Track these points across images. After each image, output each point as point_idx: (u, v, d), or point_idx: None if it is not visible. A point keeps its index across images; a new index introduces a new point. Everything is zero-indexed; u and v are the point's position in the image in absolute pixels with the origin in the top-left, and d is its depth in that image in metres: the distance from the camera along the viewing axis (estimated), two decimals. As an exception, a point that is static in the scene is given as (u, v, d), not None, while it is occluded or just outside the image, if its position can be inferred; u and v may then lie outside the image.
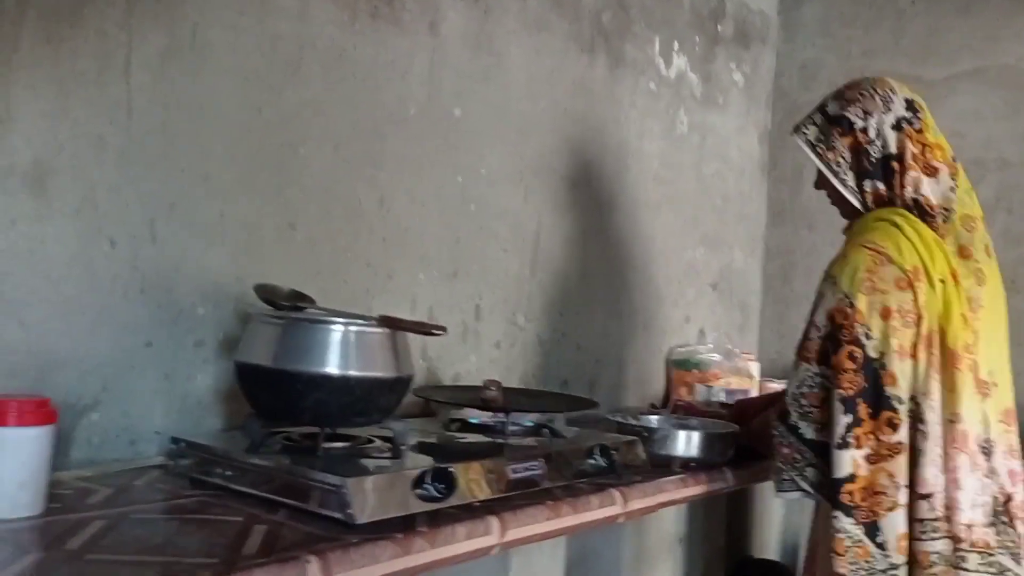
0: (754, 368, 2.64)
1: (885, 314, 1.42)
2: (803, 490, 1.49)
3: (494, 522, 1.20)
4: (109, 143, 1.36)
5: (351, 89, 1.70)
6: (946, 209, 1.52)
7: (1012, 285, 1.56)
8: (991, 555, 1.41)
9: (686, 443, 1.67)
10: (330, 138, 1.67)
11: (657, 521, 2.55)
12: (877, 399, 1.41)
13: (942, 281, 1.45)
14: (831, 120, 1.59)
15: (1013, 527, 1.46)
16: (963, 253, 1.51)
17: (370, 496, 1.12)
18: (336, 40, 1.67)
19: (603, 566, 2.35)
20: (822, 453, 1.45)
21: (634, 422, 1.76)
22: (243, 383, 1.32)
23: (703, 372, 2.51)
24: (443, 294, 1.92)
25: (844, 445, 1.41)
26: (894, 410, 1.40)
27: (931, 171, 1.53)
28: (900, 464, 1.40)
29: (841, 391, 1.42)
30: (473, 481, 1.26)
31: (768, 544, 2.96)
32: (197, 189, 1.47)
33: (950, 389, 1.42)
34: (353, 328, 1.26)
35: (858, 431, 1.41)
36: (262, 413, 1.30)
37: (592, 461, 1.49)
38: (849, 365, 1.43)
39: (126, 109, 1.37)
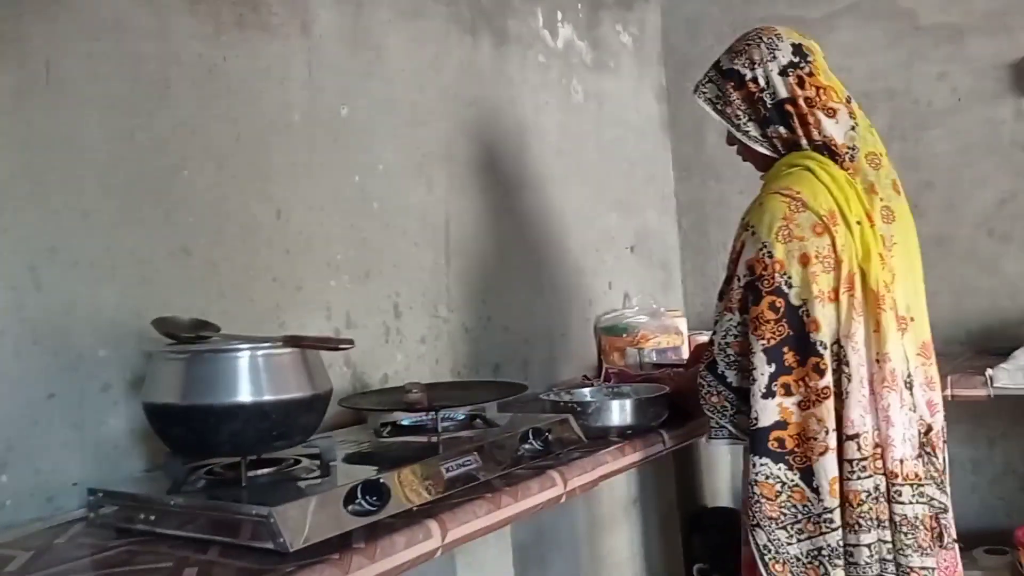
0: (682, 324, 2.67)
1: (804, 261, 1.43)
2: (734, 436, 1.51)
3: (433, 525, 1.18)
4: (-29, 194, 1.28)
5: (227, 103, 1.64)
6: (851, 148, 1.54)
7: (914, 210, 1.59)
8: (921, 486, 1.45)
9: (620, 412, 1.67)
10: (212, 156, 1.61)
11: (607, 487, 2.57)
12: (803, 346, 1.43)
13: (859, 223, 1.46)
14: (724, 75, 1.60)
15: (936, 456, 1.50)
16: (871, 190, 1.53)
17: (301, 521, 1.08)
18: (203, 54, 1.60)
19: (559, 541, 2.36)
20: (747, 400, 1.46)
21: (567, 398, 1.76)
22: (155, 423, 1.26)
23: (632, 336, 2.53)
24: (358, 297, 1.88)
25: (769, 394, 1.43)
26: (819, 355, 1.42)
27: (830, 112, 1.54)
28: (828, 408, 1.41)
29: (763, 341, 1.43)
30: (408, 486, 1.23)
31: (720, 492, 3.01)
32: (77, 227, 1.40)
33: (875, 330, 1.44)
34: (260, 353, 1.22)
35: (787, 379, 1.42)
36: (180, 450, 1.25)
37: (528, 445, 1.48)
38: (770, 315, 1.44)
39: (-16, 155, 1.30)
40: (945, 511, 1.49)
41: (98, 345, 1.41)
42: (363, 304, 1.89)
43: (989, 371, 2.07)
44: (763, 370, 1.43)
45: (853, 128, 1.55)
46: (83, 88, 1.42)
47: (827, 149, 1.53)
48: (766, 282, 1.45)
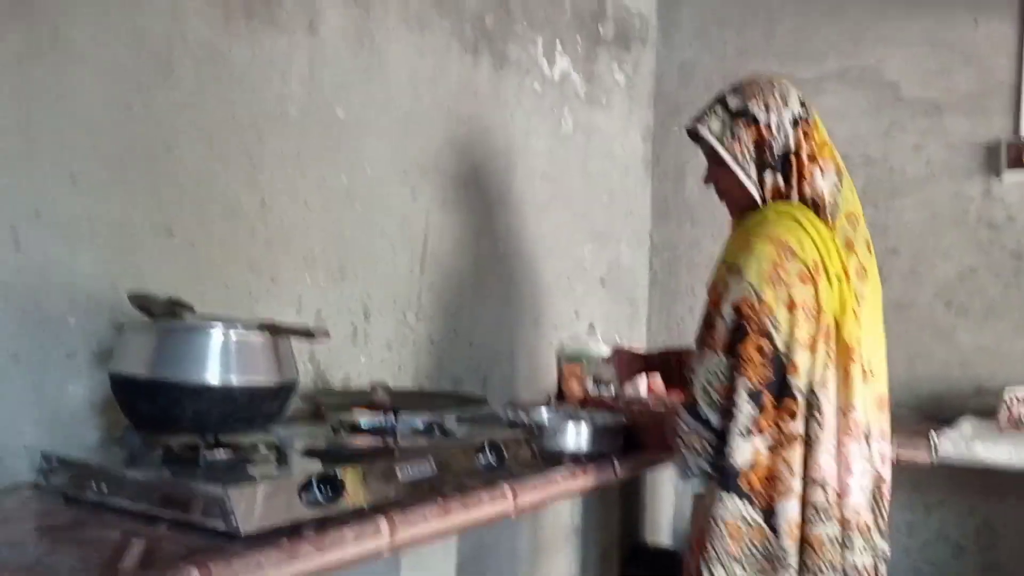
0: (642, 359, 2.71)
1: (791, 306, 1.46)
2: (708, 474, 1.51)
3: (383, 524, 1.20)
4: (-38, 146, 1.29)
5: (226, 88, 1.66)
6: (834, 205, 1.58)
7: (880, 273, 1.65)
8: (870, 535, 1.49)
9: (575, 436, 1.70)
10: (206, 137, 1.63)
11: (552, 513, 2.59)
12: (781, 388, 1.46)
13: (838, 278, 1.51)
14: (735, 113, 1.60)
15: (884, 506, 1.55)
16: (848, 247, 1.57)
17: (254, 505, 1.10)
18: (210, 39, 1.62)
19: (499, 560, 2.38)
20: (723, 438, 1.47)
21: (524, 417, 1.78)
22: (119, 395, 1.27)
23: (592, 365, 2.55)
24: (330, 295, 1.89)
25: (747, 434, 1.45)
26: (795, 399, 1.45)
27: (823, 169, 1.58)
28: (797, 453, 1.45)
29: (749, 382, 1.45)
30: (362, 484, 1.25)
31: (660, 529, 3.05)
32: (63, 191, 1.40)
33: (844, 381, 1.49)
34: (232, 334, 1.23)
35: (761, 420, 1.45)
36: (140, 425, 1.26)
37: (482, 458, 1.50)
38: (757, 357, 1.46)
39: (-19, 110, 1.30)
40: (886, 559, 1.54)
41: (69, 312, 1.42)
42: (335, 302, 1.90)
43: (934, 437, 2.13)
44: (744, 410, 1.45)
45: (837, 187, 1.60)
46: (88, 55, 1.43)
47: (813, 204, 1.57)
48: (753, 323, 1.46)
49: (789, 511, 1.44)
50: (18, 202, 1.35)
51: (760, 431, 1.45)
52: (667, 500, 3.06)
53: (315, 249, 1.85)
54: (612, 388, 2.41)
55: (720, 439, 1.48)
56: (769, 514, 1.44)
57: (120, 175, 1.49)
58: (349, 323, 1.94)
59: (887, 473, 1.58)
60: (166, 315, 1.31)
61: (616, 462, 1.71)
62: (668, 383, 2.02)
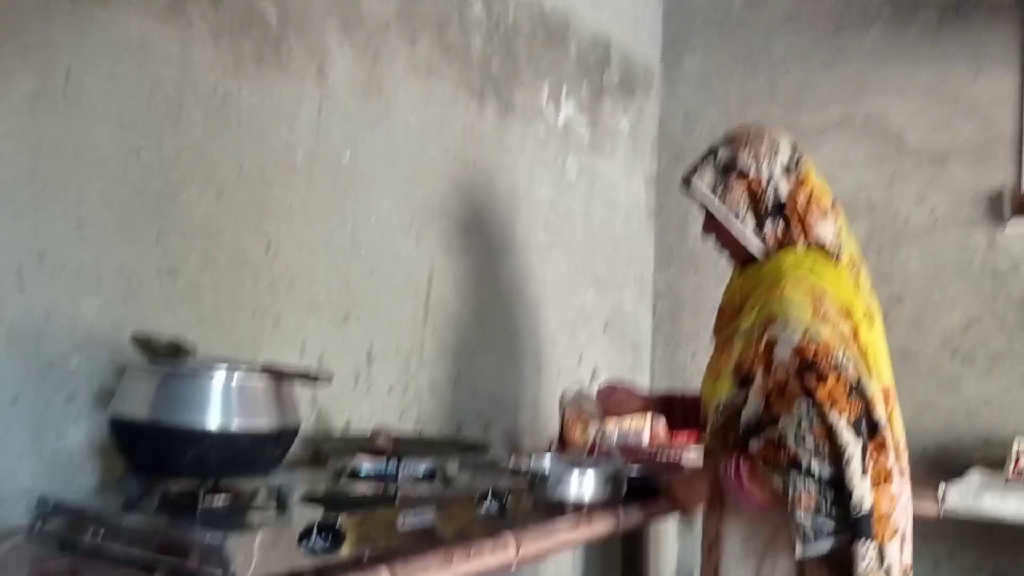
0: (646, 407, 2.69)
1: (844, 341, 1.45)
2: (835, 532, 1.41)
3: (384, 573, 1.18)
4: (-29, 189, 1.30)
5: (235, 135, 1.67)
6: (839, 248, 1.59)
7: (884, 321, 1.65)
8: None
9: (578, 484, 1.68)
10: (213, 184, 1.64)
11: (554, 565, 2.55)
12: (870, 421, 1.42)
13: (867, 316, 1.53)
14: (725, 166, 1.61)
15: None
16: (856, 288, 1.58)
17: (253, 553, 1.08)
18: (219, 86, 1.64)
19: (501, 612, 2.33)
20: (839, 488, 1.40)
21: (527, 465, 1.76)
22: (118, 438, 1.26)
23: (596, 412, 2.53)
24: (334, 340, 1.89)
25: (866, 471, 1.39)
26: (879, 430, 1.41)
27: (822, 213, 1.58)
28: (895, 489, 1.42)
29: (845, 415, 1.40)
30: (363, 532, 1.23)
31: (665, 579, 2.99)
32: (70, 236, 1.41)
33: (890, 419, 1.49)
34: (234, 378, 1.23)
35: (867, 456, 1.40)
36: (139, 469, 1.25)
37: (485, 506, 1.48)
38: (842, 390, 1.41)
39: (-10, 154, 1.31)
40: None
41: (71, 354, 1.41)
42: (338, 347, 1.90)
43: (942, 487, 2.10)
44: (854, 447, 1.39)
45: (836, 232, 1.60)
46: (98, 103, 1.45)
47: (819, 248, 1.57)
48: (823, 362, 1.42)
49: (897, 551, 1.40)
50: (24, 245, 1.36)
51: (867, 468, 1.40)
52: (671, 551, 3.01)
53: (320, 294, 1.86)
54: (592, 426, 2.36)
55: (834, 491, 1.40)
56: (880, 554, 1.39)
57: (127, 220, 1.50)
58: (352, 368, 1.94)
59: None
60: (168, 357, 1.31)
61: (623, 511, 1.69)
62: (671, 427, 1.99)
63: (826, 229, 1.58)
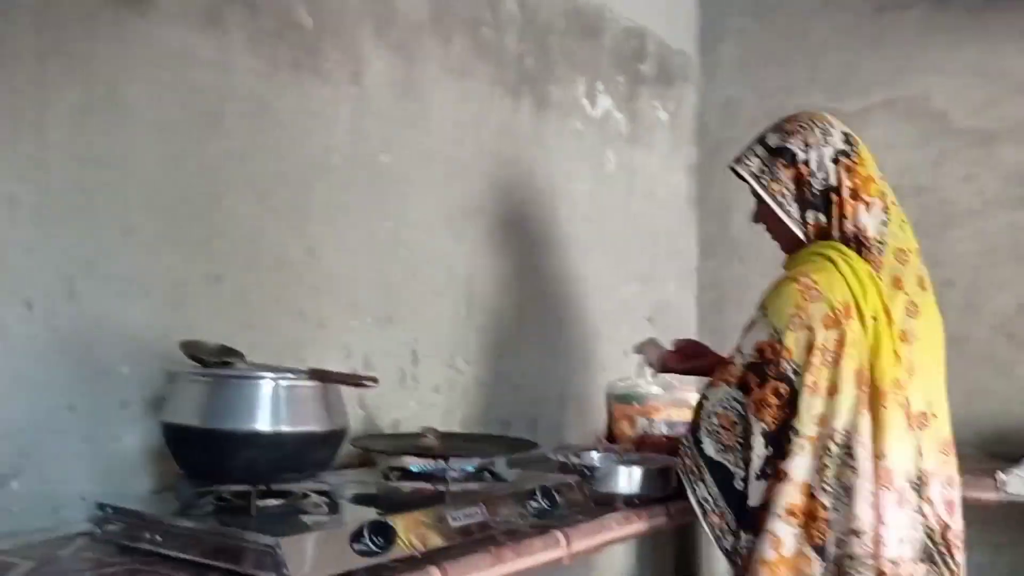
0: (693, 399, 2.65)
1: (809, 350, 1.45)
2: (696, 500, 1.53)
3: (435, 573, 1.18)
4: (22, 201, 1.32)
5: (274, 139, 1.69)
6: (880, 242, 1.55)
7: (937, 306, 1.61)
8: None
9: (628, 479, 1.67)
10: (255, 188, 1.65)
11: (606, 559, 2.54)
12: (786, 434, 1.46)
13: (874, 318, 1.47)
14: (773, 152, 1.59)
15: (952, 556, 1.48)
16: (896, 284, 1.53)
17: (306, 554, 1.09)
18: (258, 91, 1.66)
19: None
20: (717, 474, 1.50)
21: (576, 460, 1.75)
22: (171, 444, 1.28)
23: (644, 405, 2.52)
24: (378, 341, 1.90)
25: (763, 476, 1.47)
26: (790, 440, 1.45)
27: (867, 204, 1.55)
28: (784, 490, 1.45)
29: (764, 425, 1.46)
30: (413, 532, 1.23)
31: (717, 575, 2.96)
32: (117, 244, 1.43)
33: (877, 426, 1.44)
34: (282, 383, 1.24)
35: (776, 462, 1.46)
36: (192, 473, 1.26)
37: (534, 503, 1.48)
38: (774, 400, 1.46)
39: (40, 166, 1.34)
40: None
41: (122, 361, 1.44)
42: (382, 348, 1.91)
43: (1000, 475, 2.05)
44: (760, 452, 1.46)
45: (884, 223, 1.56)
46: (142, 112, 1.47)
47: (856, 240, 1.54)
48: (772, 368, 1.47)
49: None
50: (74, 254, 1.38)
51: (772, 474, 1.45)
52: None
53: (362, 295, 1.87)
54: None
55: (710, 472, 1.50)
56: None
57: (172, 227, 1.52)
58: (397, 368, 1.94)
59: (956, 522, 1.51)
60: (217, 363, 1.33)
61: (673, 506, 1.67)
62: None
63: (868, 221, 1.55)
